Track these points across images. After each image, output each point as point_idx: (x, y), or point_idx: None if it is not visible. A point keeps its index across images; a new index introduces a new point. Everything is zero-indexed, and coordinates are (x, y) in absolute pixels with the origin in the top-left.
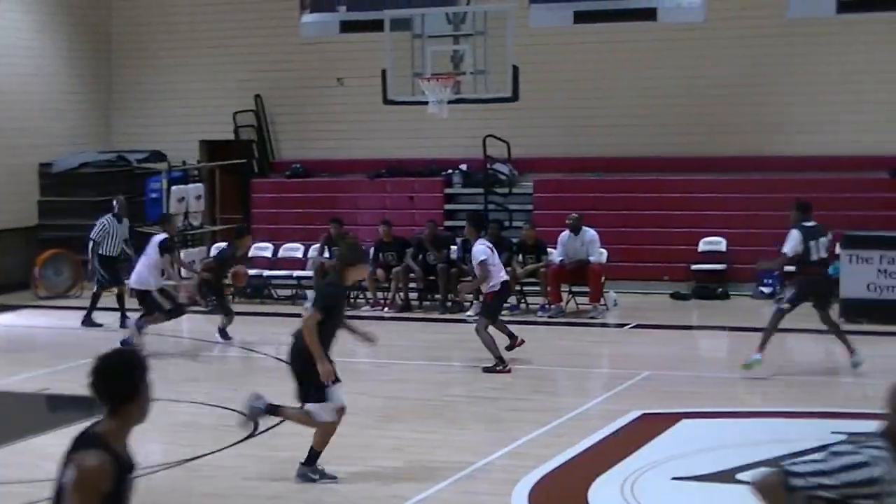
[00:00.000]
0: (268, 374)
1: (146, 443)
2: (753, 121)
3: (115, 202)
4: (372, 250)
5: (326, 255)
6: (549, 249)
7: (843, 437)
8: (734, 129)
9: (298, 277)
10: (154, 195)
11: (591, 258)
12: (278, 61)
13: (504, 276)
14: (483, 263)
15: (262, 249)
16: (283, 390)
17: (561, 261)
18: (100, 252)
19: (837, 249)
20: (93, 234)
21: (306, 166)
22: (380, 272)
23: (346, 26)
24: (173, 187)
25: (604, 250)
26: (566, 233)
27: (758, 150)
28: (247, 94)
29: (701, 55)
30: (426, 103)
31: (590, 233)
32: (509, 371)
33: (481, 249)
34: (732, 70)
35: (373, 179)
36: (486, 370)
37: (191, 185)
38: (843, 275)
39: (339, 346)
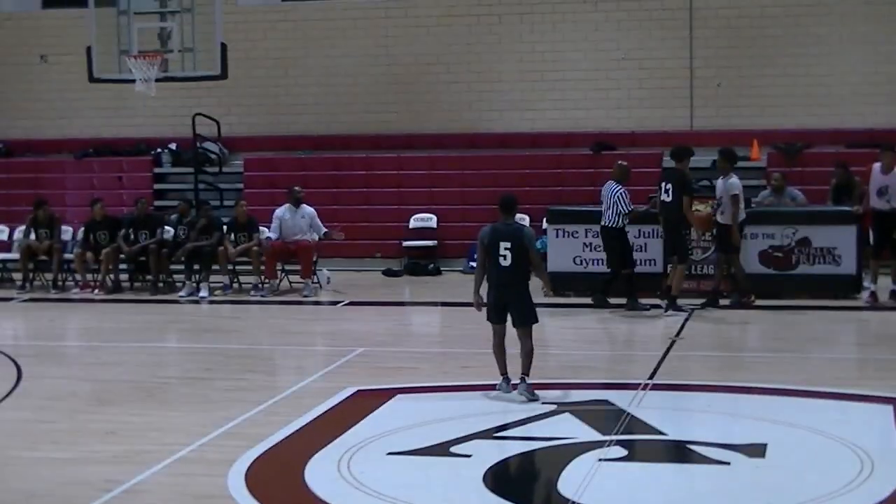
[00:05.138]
0: None
1: None
2: (463, 99)
3: None
4: (82, 231)
5: (33, 236)
6: (260, 227)
7: (552, 408)
8: (444, 106)
9: (3, 260)
10: None
11: (325, 231)
12: None
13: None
14: (736, 197)
15: None
16: None
17: (277, 238)
18: None
19: (544, 224)
20: None
21: (9, 146)
22: (89, 254)
23: (49, 1)
24: None
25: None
26: (285, 207)
27: (468, 128)
28: None
29: (410, 32)
30: (133, 81)
31: (308, 209)
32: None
33: (736, 183)
34: (442, 48)
35: (80, 159)
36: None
37: None
38: (549, 249)
39: (46, 329)
